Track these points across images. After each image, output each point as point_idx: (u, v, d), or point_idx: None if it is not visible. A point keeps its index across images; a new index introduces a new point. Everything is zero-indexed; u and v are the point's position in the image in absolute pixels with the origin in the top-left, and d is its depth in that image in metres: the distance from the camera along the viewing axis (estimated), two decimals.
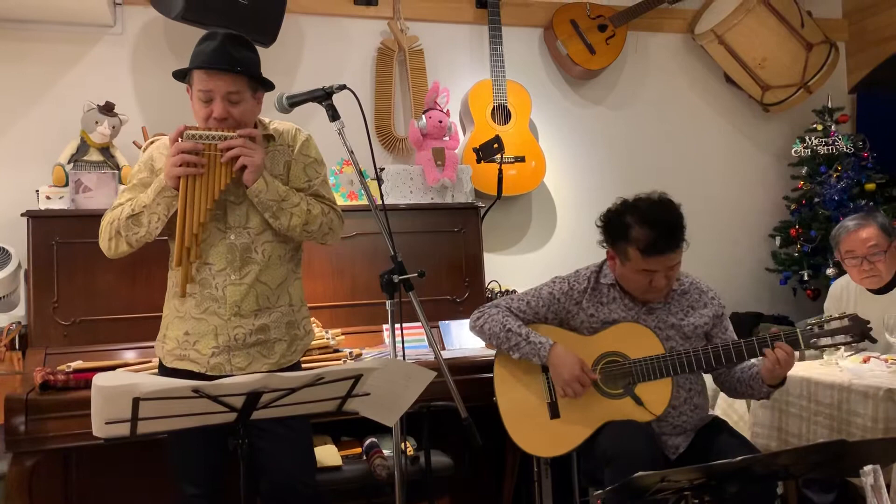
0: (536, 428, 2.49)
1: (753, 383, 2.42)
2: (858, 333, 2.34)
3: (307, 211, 2.25)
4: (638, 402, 2.40)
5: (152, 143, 2.38)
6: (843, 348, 2.79)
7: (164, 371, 2.31)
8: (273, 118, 2.41)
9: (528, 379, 2.53)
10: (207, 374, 2.20)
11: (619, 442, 2.30)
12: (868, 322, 2.35)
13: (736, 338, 2.50)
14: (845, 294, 3.14)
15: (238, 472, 1.80)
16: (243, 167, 2.16)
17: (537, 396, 2.51)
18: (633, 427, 2.35)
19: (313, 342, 2.91)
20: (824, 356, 2.88)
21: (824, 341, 2.36)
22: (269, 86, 2.31)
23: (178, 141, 2.17)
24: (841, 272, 3.87)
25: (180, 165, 2.14)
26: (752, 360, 2.46)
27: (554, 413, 2.48)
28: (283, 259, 2.32)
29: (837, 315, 2.37)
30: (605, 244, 2.50)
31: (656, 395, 2.40)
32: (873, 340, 2.40)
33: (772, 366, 2.32)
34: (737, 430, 2.55)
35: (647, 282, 2.40)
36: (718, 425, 2.50)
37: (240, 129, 2.19)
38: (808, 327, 2.38)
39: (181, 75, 2.27)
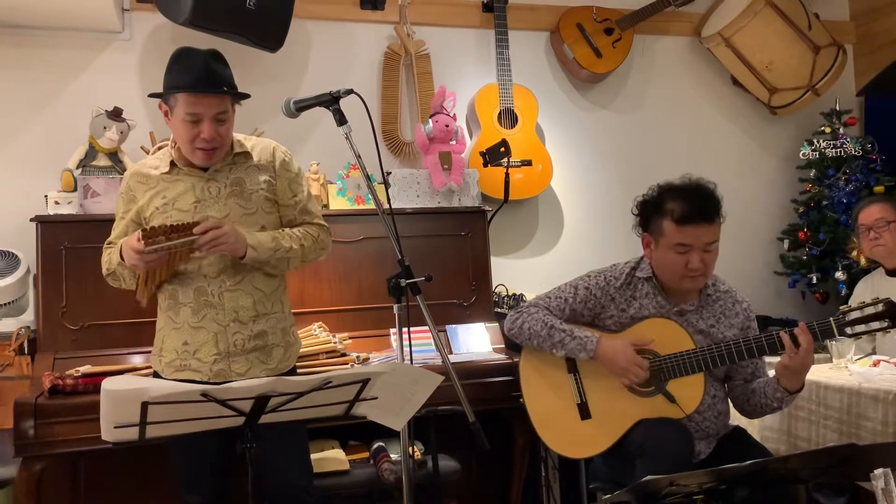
0: (568, 430, 2.45)
1: (768, 390, 2.35)
2: (894, 318, 2.21)
3: (301, 248, 2.30)
4: (670, 399, 2.34)
5: (160, 148, 2.38)
6: (853, 351, 2.77)
7: None
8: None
9: (555, 381, 2.48)
10: (210, 381, 2.19)
11: (655, 435, 2.25)
12: None
13: None
14: (870, 284, 3.19)
15: (237, 478, 1.81)
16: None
17: (566, 398, 2.46)
18: (670, 422, 2.31)
19: (321, 346, 2.94)
20: (851, 350, 2.79)
21: (858, 328, 2.25)
22: (245, 98, 2.33)
23: (138, 243, 2.07)
24: (850, 275, 3.87)
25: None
26: (770, 372, 2.41)
27: (585, 414, 2.44)
28: None
29: (871, 301, 2.27)
30: (639, 231, 2.45)
31: (689, 392, 2.35)
32: None
33: (787, 360, 2.24)
34: (760, 442, 2.50)
35: (683, 263, 2.31)
36: (742, 436, 2.45)
37: (197, 227, 2.11)
38: (840, 314, 2.27)
39: (159, 95, 2.26)
